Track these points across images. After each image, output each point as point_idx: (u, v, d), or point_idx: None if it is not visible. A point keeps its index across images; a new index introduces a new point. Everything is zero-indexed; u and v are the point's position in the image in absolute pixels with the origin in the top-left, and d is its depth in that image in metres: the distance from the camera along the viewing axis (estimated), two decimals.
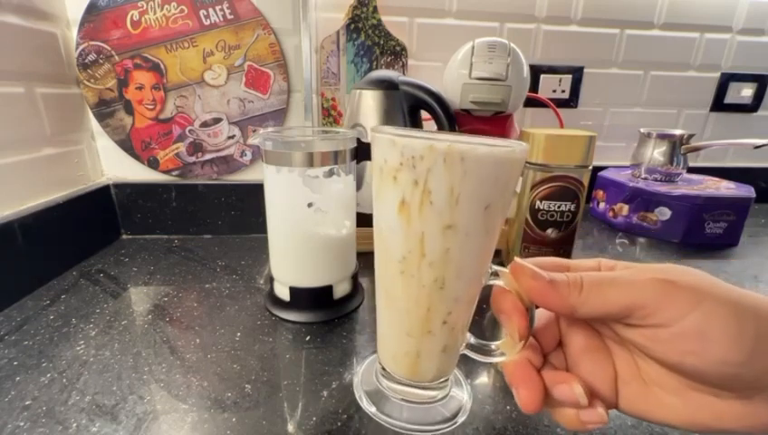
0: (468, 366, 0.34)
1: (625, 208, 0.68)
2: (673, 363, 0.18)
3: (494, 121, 0.57)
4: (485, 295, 0.24)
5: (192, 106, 0.59)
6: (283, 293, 0.41)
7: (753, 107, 0.84)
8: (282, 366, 0.34)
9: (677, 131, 0.69)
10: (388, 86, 0.52)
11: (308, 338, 0.38)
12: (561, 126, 0.69)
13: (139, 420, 0.28)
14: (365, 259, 0.46)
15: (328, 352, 0.36)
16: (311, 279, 0.41)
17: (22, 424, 0.27)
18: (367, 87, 0.53)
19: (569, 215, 0.45)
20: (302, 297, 0.41)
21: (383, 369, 0.29)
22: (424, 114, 0.56)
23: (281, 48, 0.59)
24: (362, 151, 0.40)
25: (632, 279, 0.19)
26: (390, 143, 0.22)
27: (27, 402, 0.29)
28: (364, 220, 0.46)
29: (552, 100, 0.70)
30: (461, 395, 0.30)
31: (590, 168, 0.44)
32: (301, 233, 0.39)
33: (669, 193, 0.63)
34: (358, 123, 0.54)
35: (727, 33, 0.78)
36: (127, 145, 0.59)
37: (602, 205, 0.73)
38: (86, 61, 0.55)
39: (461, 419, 0.28)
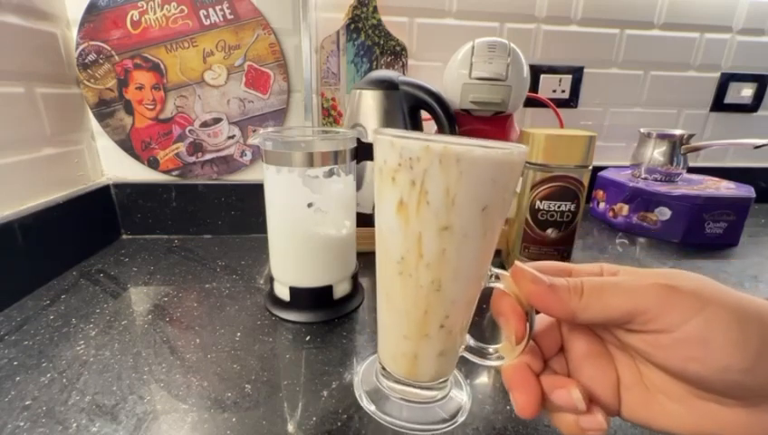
0: (469, 366, 0.34)
1: (625, 208, 0.68)
2: (675, 370, 0.18)
3: (494, 121, 0.57)
4: (486, 297, 0.24)
5: (192, 106, 0.59)
6: (283, 293, 0.41)
7: (753, 107, 0.84)
8: (282, 366, 0.34)
9: (677, 131, 0.69)
10: (388, 86, 0.52)
11: (308, 338, 0.38)
12: (561, 126, 0.69)
13: (139, 420, 0.28)
14: (365, 259, 0.46)
15: (328, 352, 0.36)
16: (311, 279, 0.41)
17: (22, 424, 0.27)
18: (367, 87, 0.53)
19: (569, 215, 0.45)
20: (302, 297, 0.41)
21: (383, 368, 0.29)
22: (424, 114, 0.56)
23: (281, 48, 0.59)
24: (362, 151, 0.40)
25: (634, 284, 0.18)
26: (389, 144, 0.22)
27: (27, 402, 0.29)
28: (364, 220, 0.46)
29: (552, 100, 0.70)
30: (461, 396, 0.30)
31: (590, 168, 0.44)
32: (301, 233, 0.39)
33: (669, 193, 0.63)
34: (358, 123, 0.54)
35: (727, 33, 0.78)
36: (127, 145, 0.59)
37: (602, 205, 0.73)
38: (86, 61, 0.55)
39: (461, 418, 0.28)
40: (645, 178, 0.70)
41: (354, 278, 0.44)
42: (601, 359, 0.21)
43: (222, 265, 0.53)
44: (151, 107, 0.58)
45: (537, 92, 0.75)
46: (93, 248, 0.56)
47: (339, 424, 0.28)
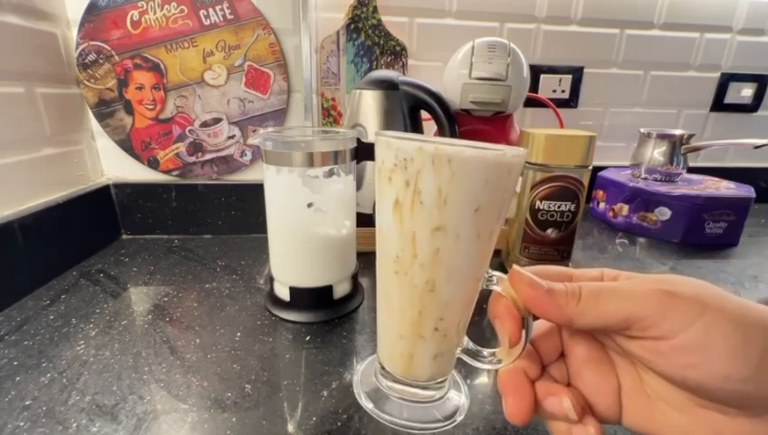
0: (468, 366, 0.34)
1: (625, 208, 0.68)
2: (675, 378, 0.17)
3: (494, 121, 0.57)
4: (487, 298, 0.24)
5: (192, 106, 0.59)
6: (283, 293, 0.41)
7: (753, 107, 0.84)
8: (282, 366, 0.34)
9: (677, 131, 0.69)
10: (388, 86, 0.52)
11: (308, 338, 0.38)
12: (561, 126, 0.69)
13: (139, 420, 0.28)
14: (365, 259, 0.46)
15: (328, 352, 0.36)
16: (311, 279, 0.41)
17: (22, 424, 0.27)
18: (367, 87, 0.53)
19: (569, 215, 0.45)
20: (302, 297, 0.41)
21: (382, 368, 0.29)
22: (424, 114, 0.56)
23: (281, 48, 0.59)
24: (362, 151, 0.40)
25: (632, 290, 0.18)
26: (386, 145, 0.23)
27: (27, 402, 0.29)
28: (364, 220, 0.46)
29: (551, 100, 0.70)
30: (459, 396, 0.30)
31: (590, 168, 0.44)
32: (301, 233, 0.39)
33: (669, 193, 0.63)
34: (358, 123, 0.54)
35: (727, 33, 0.78)
36: (127, 145, 0.59)
37: (602, 205, 0.73)
38: (86, 61, 0.55)
39: (459, 418, 0.28)
40: (645, 178, 0.70)
41: (354, 278, 0.44)
42: (602, 365, 0.21)
43: (222, 265, 0.53)
44: (151, 107, 0.58)
45: (537, 92, 0.75)
46: (93, 248, 0.56)
47: (339, 424, 0.28)
